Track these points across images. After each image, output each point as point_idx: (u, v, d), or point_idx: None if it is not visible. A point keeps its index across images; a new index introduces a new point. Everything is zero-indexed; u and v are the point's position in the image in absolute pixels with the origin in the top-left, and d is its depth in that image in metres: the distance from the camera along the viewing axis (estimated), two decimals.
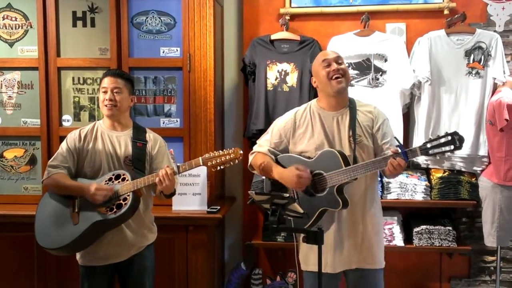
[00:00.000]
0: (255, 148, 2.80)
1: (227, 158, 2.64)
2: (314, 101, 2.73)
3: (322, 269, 2.57)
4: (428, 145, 2.33)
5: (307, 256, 2.68)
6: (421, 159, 3.69)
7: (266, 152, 2.72)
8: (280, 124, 2.76)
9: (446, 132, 2.32)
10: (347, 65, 3.63)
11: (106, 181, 2.73)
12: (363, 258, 2.63)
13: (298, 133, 2.69)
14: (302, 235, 2.47)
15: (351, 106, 2.63)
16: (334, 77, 2.56)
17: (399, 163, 2.36)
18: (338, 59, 2.60)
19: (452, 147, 2.29)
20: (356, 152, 2.56)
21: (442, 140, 2.30)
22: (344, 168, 2.48)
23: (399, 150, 2.36)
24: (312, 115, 2.68)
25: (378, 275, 2.67)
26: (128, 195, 2.67)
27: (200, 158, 2.68)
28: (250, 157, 2.80)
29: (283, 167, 2.65)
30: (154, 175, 2.67)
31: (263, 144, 2.77)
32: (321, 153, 2.57)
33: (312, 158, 2.60)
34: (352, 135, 2.57)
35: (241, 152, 2.65)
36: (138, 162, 2.79)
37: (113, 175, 2.75)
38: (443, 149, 2.30)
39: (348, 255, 2.62)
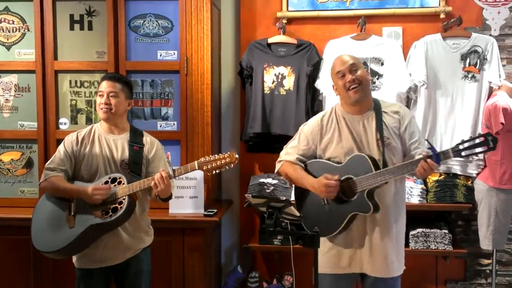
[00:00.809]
0: (283, 155, 2.75)
1: (222, 162, 2.64)
2: (338, 104, 2.69)
3: (346, 271, 2.61)
4: (461, 147, 2.31)
5: (328, 259, 2.65)
6: None
7: (295, 161, 2.68)
8: (307, 130, 2.71)
9: (480, 133, 2.31)
10: None
11: (102, 184, 2.73)
12: (389, 268, 2.60)
13: (325, 139, 2.65)
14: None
15: (376, 107, 2.61)
16: (350, 88, 2.54)
17: (431, 166, 2.34)
18: (352, 67, 2.55)
19: (486, 147, 2.27)
20: (385, 155, 2.53)
21: (476, 141, 2.29)
22: (374, 172, 2.46)
23: (431, 152, 2.35)
24: (338, 120, 2.64)
25: (398, 281, 2.67)
26: (124, 199, 2.67)
27: (195, 162, 2.68)
28: (278, 165, 2.76)
29: (312, 174, 2.63)
30: (150, 179, 2.67)
31: (291, 152, 2.72)
32: (350, 158, 2.54)
33: (342, 163, 2.57)
34: (380, 138, 2.54)
35: (237, 156, 2.65)
36: (135, 165, 2.79)
37: (109, 178, 2.75)
38: (476, 150, 2.29)
39: (378, 263, 2.59)
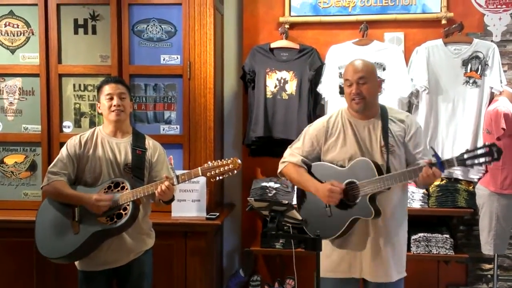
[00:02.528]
0: (287, 156, 2.74)
1: (226, 168, 2.64)
2: (345, 108, 2.70)
3: (347, 275, 2.62)
4: (466, 156, 2.31)
5: (330, 263, 2.66)
6: None
7: (300, 163, 2.68)
8: (312, 132, 2.72)
9: (485, 144, 2.31)
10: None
11: (105, 189, 2.74)
12: (391, 272, 2.62)
13: (330, 141, 2.66)
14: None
15: (383, 114, 2.62)
16: (352, 99, 2.57)
17: (434, 173, 2.35)
18: (359, 80, 2.54)
19: (490, 158, 2.27)
20: (389, 162, 2.55)
21: (480, 151, 2.29)
22: (378, 177, 2.47)
23: (435, 160, 2.35)
24: (344, 123, 2.65)
25: (401, 284, 2.69)
26: (128, 205, 2.68)
27: (199, 168, 2.69)
28: (281, 166, 2.75)
29: (316, 177, 2.64)
30: (154, 185, 2.68)
31: (295, 153, 2.72)
32: (354, 162, 2.55)
33: (345, 167, 2.59)
34: (384, 145, 2.55)
35: (240, 162, 2.66)
36: (138, 170, 2.80)
37: (112, 183, 2.75)
38: (481, 160, 2.29)
39: (381, 268, 2.60)
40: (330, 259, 2.66)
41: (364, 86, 2.54)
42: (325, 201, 2.56)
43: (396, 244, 2.63)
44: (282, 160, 2.78)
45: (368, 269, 2.61)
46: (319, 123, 2.73)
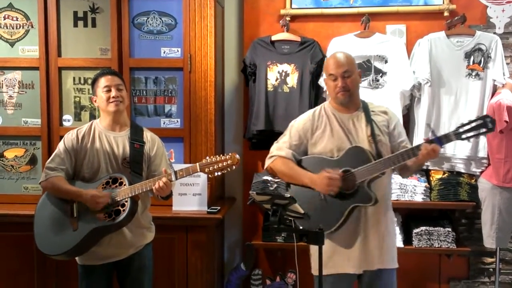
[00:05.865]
0: (274, 151, 2.72)
1: (224, 164, 2.63)
2: (327, 102, 2.75)
3: (345, 270, 2.62)
4: (461, 130, 2.38)
5: (328, 259, 2.62)
6: None
7: (289, 156, 2.67)
8: (298, 125, 2.72)
9: (478, 116, 2.36)
10: None
11: (103, 184, 2.73)
12: (384, 258, 2.63)
13: (317, 134, 2.68)
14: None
15: (365, 107, 2.68)
16: (338, 93, 2.60)
17: (434, 148, 2.40)
18: (344, 74, 2.58)
19: (485, 129, 2.34)
20: (378, 150, 2.58)
21: (474, 123, 2.36)
22: (374, 161, 2.49)
23: (433, 137, 2.41)
24: (328, 116, 2.69)
25: (394, 275, 2.69)
26: (126, 201, 2.67)
27: (197, 164, 2.67)
28: (269, 161, 2.73)
29: (307, 170, 2.63)
30: (152, 181, 2.66)
31: (283, 147, 2.70)
32: (347, 150, 2.57)
33: (335, 157, 2.60)
34: (371, 134, 2.59)
35: (238, 157, 2.64)
36: (136, 164, 2.78)
37: (110, 178, 2.74)
38: (477, 131, 2.36)
39: (372, 255, 2.61)
40: (328, 255, 2.61)
41: (349, 79, 2.60)
42: (325, 190, 2.53)
43: (385, 233, 2.64)
44: (269, 155, 2.74)
45: (357, 260, 2.61)
46: (304, 116, 2.76)
